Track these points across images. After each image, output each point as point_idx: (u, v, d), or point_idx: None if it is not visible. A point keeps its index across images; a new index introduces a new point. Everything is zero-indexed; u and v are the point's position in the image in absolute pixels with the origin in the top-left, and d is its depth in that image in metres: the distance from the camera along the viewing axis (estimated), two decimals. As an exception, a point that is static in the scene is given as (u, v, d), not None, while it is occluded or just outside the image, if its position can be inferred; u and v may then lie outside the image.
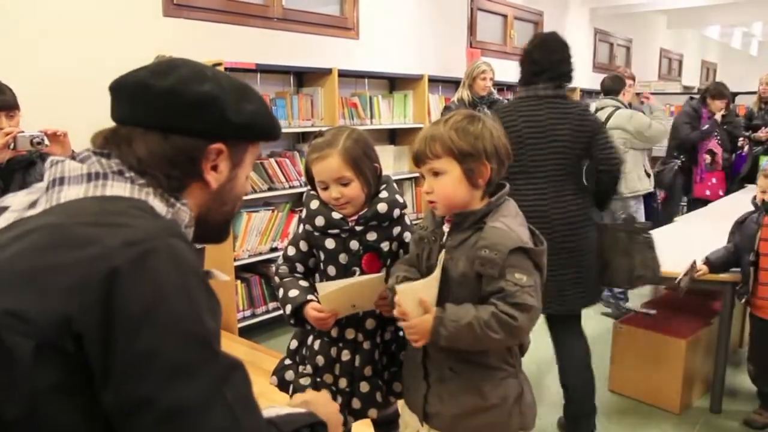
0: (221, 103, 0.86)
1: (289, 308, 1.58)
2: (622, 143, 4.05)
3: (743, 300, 2.61)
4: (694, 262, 2.61)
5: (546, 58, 2.33)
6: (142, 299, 0.69)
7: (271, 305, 3.80)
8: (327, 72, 4.00)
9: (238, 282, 3.64)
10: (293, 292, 1.58)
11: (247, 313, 3.69)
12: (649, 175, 4.21)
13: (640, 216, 4.12)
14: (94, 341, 0.67)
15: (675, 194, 5.10)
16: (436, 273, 1.36)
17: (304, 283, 1.62)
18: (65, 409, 0.68)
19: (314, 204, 1.59)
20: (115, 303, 0.68)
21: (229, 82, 0.90)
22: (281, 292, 1.62)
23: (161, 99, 0.84)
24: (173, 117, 0.85)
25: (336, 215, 1.56)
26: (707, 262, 2.64)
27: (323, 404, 1.04)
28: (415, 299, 1.35)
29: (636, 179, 4.11)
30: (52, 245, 0.72)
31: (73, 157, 0.83)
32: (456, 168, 1.36)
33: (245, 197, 3.74)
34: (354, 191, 1.54)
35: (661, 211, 4.71)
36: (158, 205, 0.82)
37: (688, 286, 2.59)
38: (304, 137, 4.18)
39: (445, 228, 1.44)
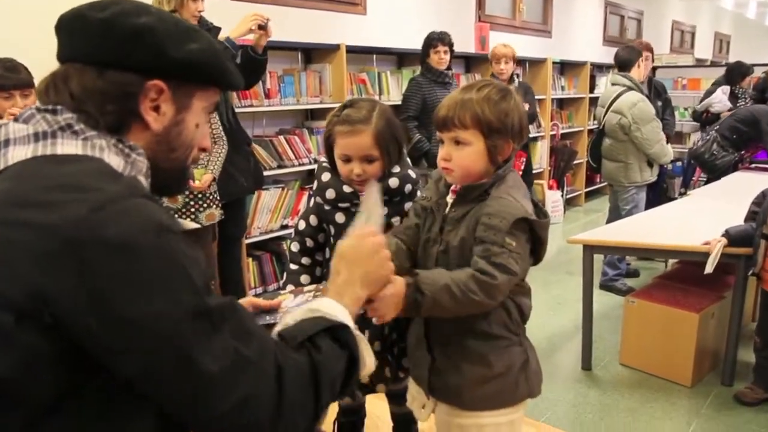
0: (159, 36, 0.80)
1: None
2: (619, 129, 3.87)
3: (750, 272, 2.59)
4: (719, 247, 2.57)
5: None
6: (120, 268, 0.67)
7: (283, 282, 3.81)
8: (335, 48, 3.96)
9: (250, 260, 3.66)
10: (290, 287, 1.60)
11: (259, 290, 3.72)
12: (651, 166, 3.96)
13: (641, 206, 4.01)
14: (78, 316, 0.66)
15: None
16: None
17: (305, 278, 1.69)
18: (50, 373, 0.68)
19: (326, 176, 1.58)
20: (93, 276, 0.66)
21: (175, 20, 0.84)
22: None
23: (96, 31, 0.79)
24: (108, 50, 0.79)
25: (347, 189, 1.55)
26: (727, 235, 2.60)
27: (373, 271, 1.06)
28: None
29: (637, 170, 3.95)
30: (11, 212, 0.69)
31: (16, 119, 0.79)
32: (481, 142, 1.33)
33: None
34: (376, 169, 1.52)
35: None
36: (115, 161, 0.78)
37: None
38: (312, 114, 4.17)
39: (449, 198, 1.41)
